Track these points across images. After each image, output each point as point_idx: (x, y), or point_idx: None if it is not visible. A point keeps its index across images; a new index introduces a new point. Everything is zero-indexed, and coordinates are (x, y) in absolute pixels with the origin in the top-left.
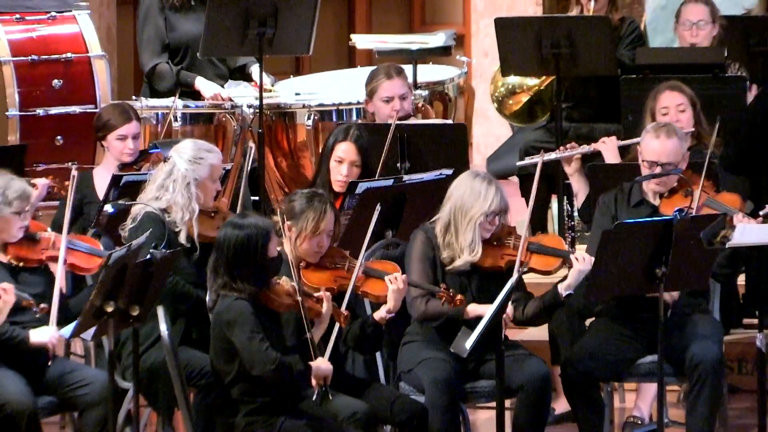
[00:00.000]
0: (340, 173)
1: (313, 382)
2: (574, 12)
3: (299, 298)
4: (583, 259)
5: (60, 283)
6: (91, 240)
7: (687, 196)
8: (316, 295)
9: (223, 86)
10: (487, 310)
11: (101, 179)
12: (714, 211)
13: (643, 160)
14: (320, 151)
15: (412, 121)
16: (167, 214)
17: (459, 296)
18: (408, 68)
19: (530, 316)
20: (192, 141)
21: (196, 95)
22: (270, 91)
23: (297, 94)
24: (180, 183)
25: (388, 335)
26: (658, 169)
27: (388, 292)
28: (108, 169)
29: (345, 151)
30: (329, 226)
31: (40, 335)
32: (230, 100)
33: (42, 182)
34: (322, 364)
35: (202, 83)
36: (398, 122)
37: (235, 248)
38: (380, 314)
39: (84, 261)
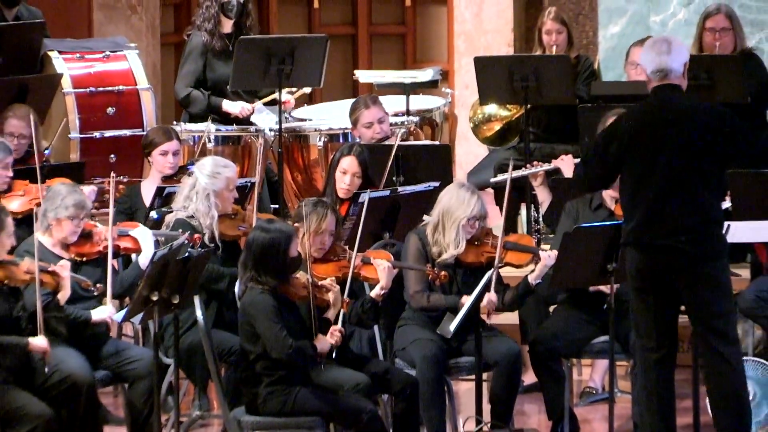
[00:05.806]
0: (344, 182)
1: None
2: (537, 52)
3: (310, 289)
4: (548, 256)
5: (111, 265)
6: (135, 225)
7: None
8: (322, 283)
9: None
10: (468, 300)
11: (147, 191)
12: None
13: None
14: (329, 164)
15: (405, 142)
16: (194, 219)
17: (443, 272)
18: (402, 98)
19: (508, 303)
20: (211, 158)
21: (225, 119)
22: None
23: (310, 119)
24: (201, 194)
25: (385, 319)
26: None
27: (379, 273)
28: (153, 182)
29: (348, 164)
30: (330, 227)
31: (100, 313)
32: (254, 112)
33: (89, 189)
34: (324, 346)
35: (228, 104)
36: (399, 143)
37: (262, 248)
38: (376, 292)
39: (133, 242)
